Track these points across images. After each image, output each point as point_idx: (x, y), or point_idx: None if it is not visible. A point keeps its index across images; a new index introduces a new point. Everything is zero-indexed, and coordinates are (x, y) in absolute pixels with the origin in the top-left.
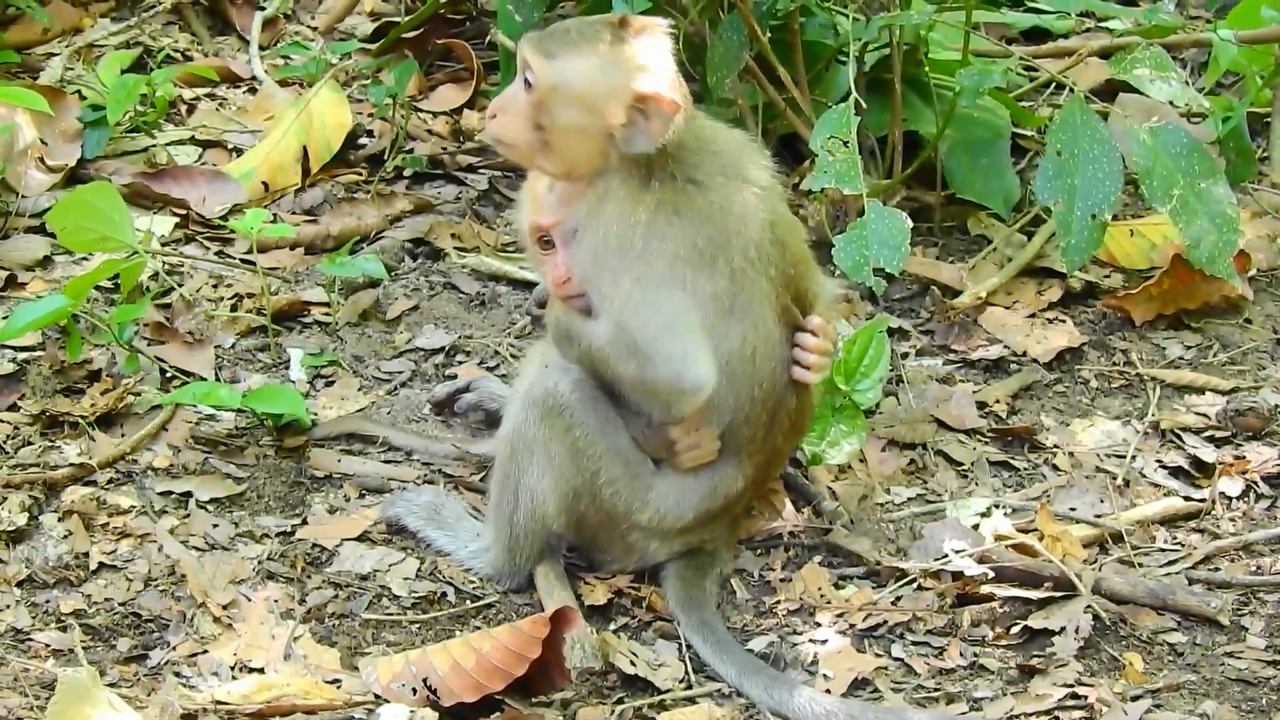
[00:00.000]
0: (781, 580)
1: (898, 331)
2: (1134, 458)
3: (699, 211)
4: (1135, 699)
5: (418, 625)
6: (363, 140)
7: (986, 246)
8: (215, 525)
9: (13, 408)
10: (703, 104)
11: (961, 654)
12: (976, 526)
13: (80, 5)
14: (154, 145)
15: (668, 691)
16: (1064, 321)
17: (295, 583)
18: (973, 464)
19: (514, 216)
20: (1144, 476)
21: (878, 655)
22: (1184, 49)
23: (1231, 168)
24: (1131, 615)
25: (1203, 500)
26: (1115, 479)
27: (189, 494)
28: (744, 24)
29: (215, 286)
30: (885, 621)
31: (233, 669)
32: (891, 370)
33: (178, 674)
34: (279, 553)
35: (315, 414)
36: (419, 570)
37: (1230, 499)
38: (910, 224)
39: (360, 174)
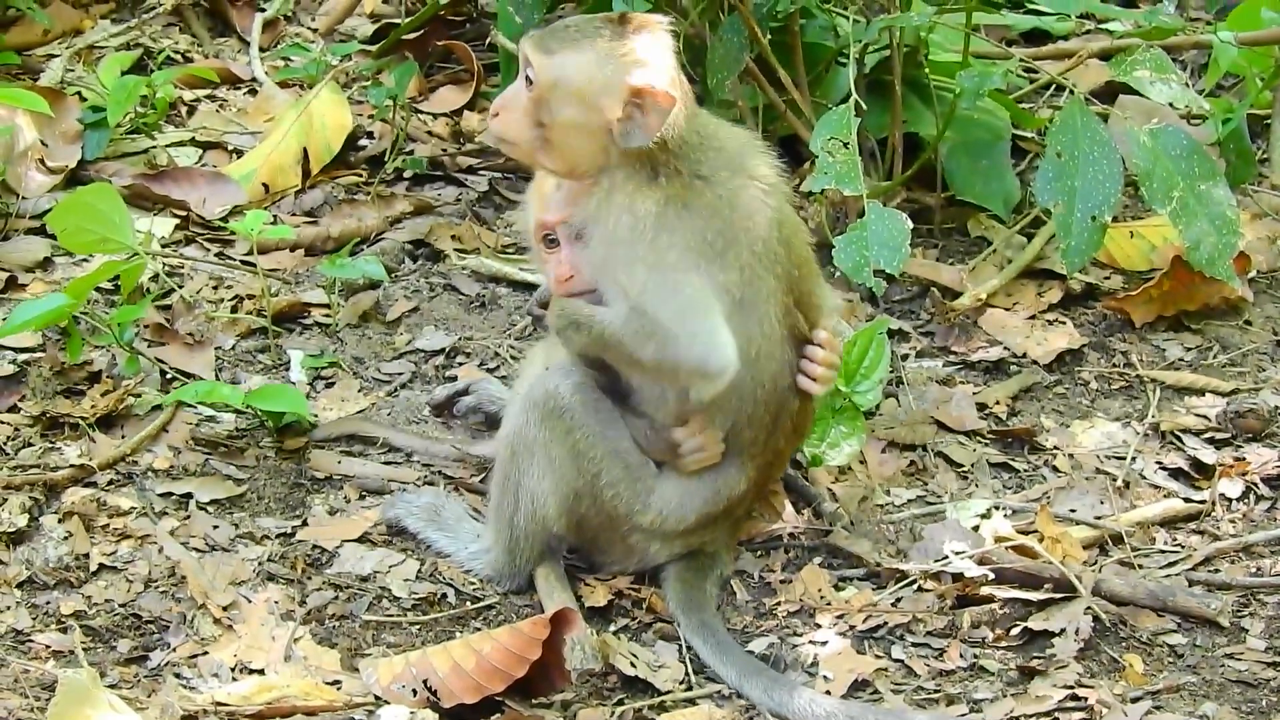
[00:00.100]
0: (781, 582)
1: (898, 333)
2: (1134, 459)
3: (707, 206)
4: (1135, 700)
5: (418, 627)
6: (363, 142)
7: (986, 248)
8: (215, 526)
9: (13, 409)
10: (703, 106)
11: (961, 655)
12: (976, 528)
13: (81, 7)
14: (154, 147)
15: (668, 693)
16: (1064, 323)
17: (295, 584)
18: (973, 465)
19: (519, 216)
20: (1144, 478)
21: (878, 657)
22: (1184, 51)
23: (1231, 169)
24: (1131, 617)
25: (1203, 502)
26: (1115, 480)
27: (189, 495)
28: (744, 26)
29: (215, 288)
30: (885, 623)
31: (233, 670)
32: (891, 372)
33: (178, 675)
34: (279, 554)
35: (315, 415)
36: (419, 572)
37: (1230, 500)
38: (910, 225)
39: (360, 175)
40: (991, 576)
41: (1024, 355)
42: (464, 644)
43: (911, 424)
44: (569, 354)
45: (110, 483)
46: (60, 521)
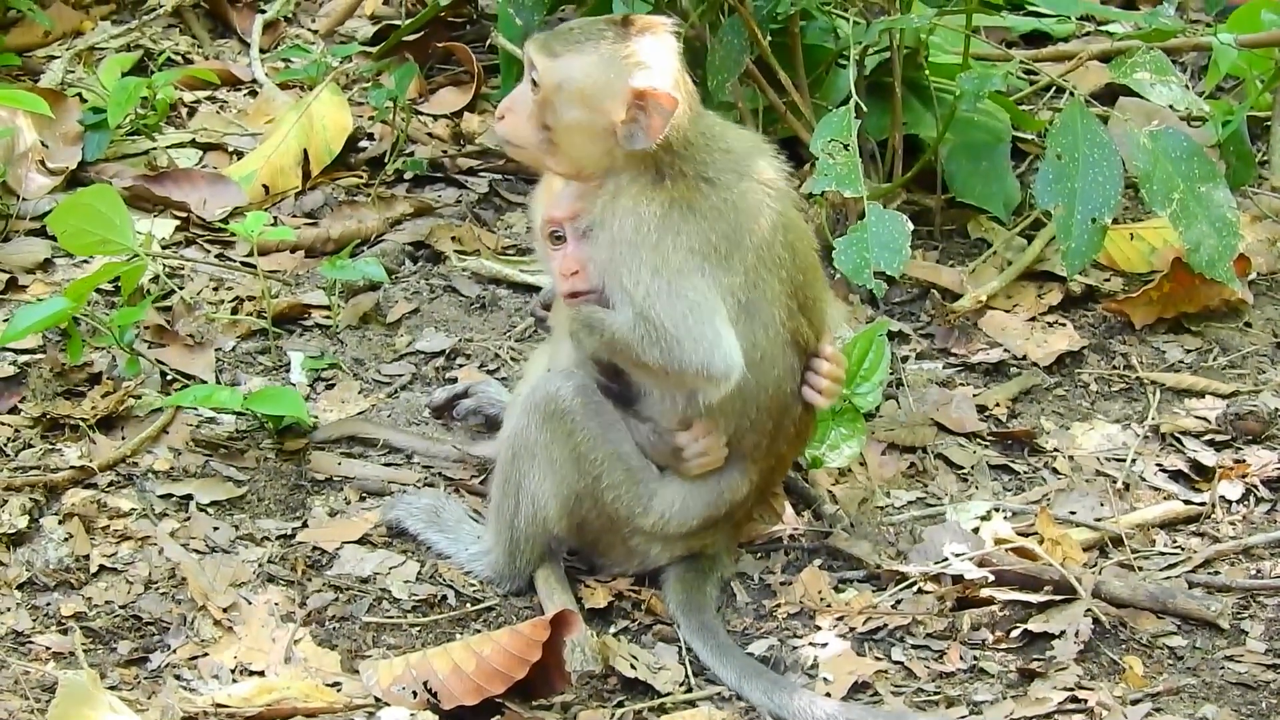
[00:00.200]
0: (782, 584)
1: (898, 335)
2: (1134, 461)
3: (713, 208)
4: (1135, 702)
5: (418, 628)
6: (363, 143)
7: (987, 250)
8: (216, 528)
9: (13, 410)
10: (704, 107)
11: (961, 657)
12: (976, 530)
13: (81, 8)
14: (155, 148)
15: (668, 695)
16: (1064, 325)
17: (296, 586)
18: (973, 467)
19: (528, 214)
20: (1144, 480)
21: (878, 658)
22: (1184, 53)
23: (1231, 172)
24: (1131, 619)
25: (1203, 504)
26: (1115, 482)
27: (189, 497)
28: (744, 27)
29: (216, 289)
30: (885, 625)
31: (233, 672)
32: (892, 374)
33: (178, 677)
34: (279, 556)
35: (315, 417)
36: (419, 573)
37: (1230, 503)
38: (910, 227)
39: (361, 177)
40: (991, 578)
41: (1024, 357)
42: (464, 646)
43: (911, 426)
44: (582, 356)
45: (111, 484)
46: (60, 523)
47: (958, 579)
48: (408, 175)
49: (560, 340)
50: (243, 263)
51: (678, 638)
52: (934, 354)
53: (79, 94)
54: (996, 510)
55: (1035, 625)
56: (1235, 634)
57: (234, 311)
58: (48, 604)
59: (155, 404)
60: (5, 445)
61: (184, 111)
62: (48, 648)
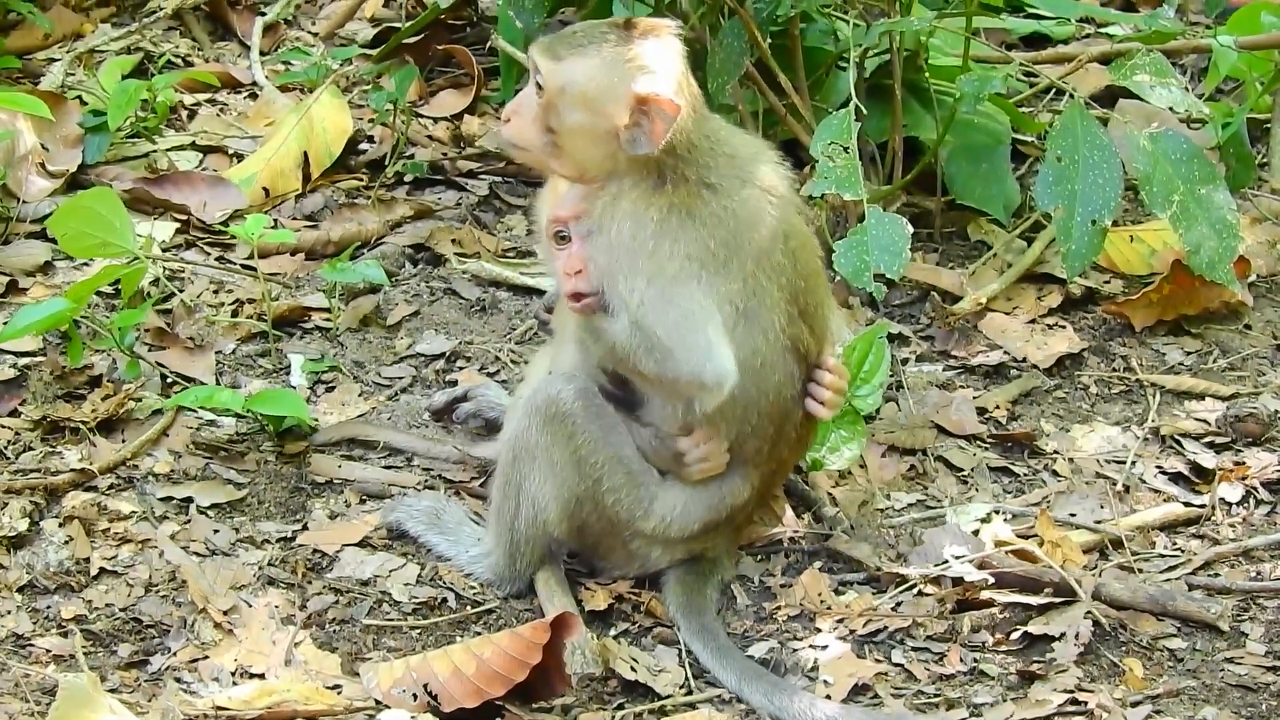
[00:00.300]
0: (782, 586)
1: (898, 337)
2: (1134, 463)
3: (712, 215)
4: (1135, 705)
5: (418, 631)
6: (363, 146)
7: (986, 252)
8: (216, 531)
9: (14, 413)
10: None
11: (961, 660)
12: (976, 532)
13: (81, 11)
14: (155, 151)
15: (668, 697)
16: (1064, 327)
17: (296, 588)
18: (973, 470)
19: (531, 215)
20: (1144, 482)
21: (878, 661)
22: (1184, 55)
23: (1231, 174)
24: (1131, 621)
25: (1203, 506)
26: (1115, 485)
27: (190, 499)
28: (744, 30)
29: (216, 292)
30: (885, 627)
31: (233, 675)
32: (891, 376)
33: (178, 679)
34: (279, 558)
35: (316, 419)
36: (419, 576)
37: (1230, 505)
38: (910, 229)
39: (361, 179)
40: (991, 581)
41: (1024, 359)
42: (464, 648)
43: (911, 428)
44: (587, 361)
45: (111, 487)
46: (61, 526)
47: (958, 581)
48: (408, 178)
49: (562, 343)
50: (243, 265)
51: (678, 640)
52: (934, 356)
53: (79, 97)
54: (996, 512)
55: (1035, 627)
56: (1235, 636)
57: (234, 314)
58: (48, 607)
59: (155, 406)
60: (5, 448)
61: (184, 114)
62: (48, 650)
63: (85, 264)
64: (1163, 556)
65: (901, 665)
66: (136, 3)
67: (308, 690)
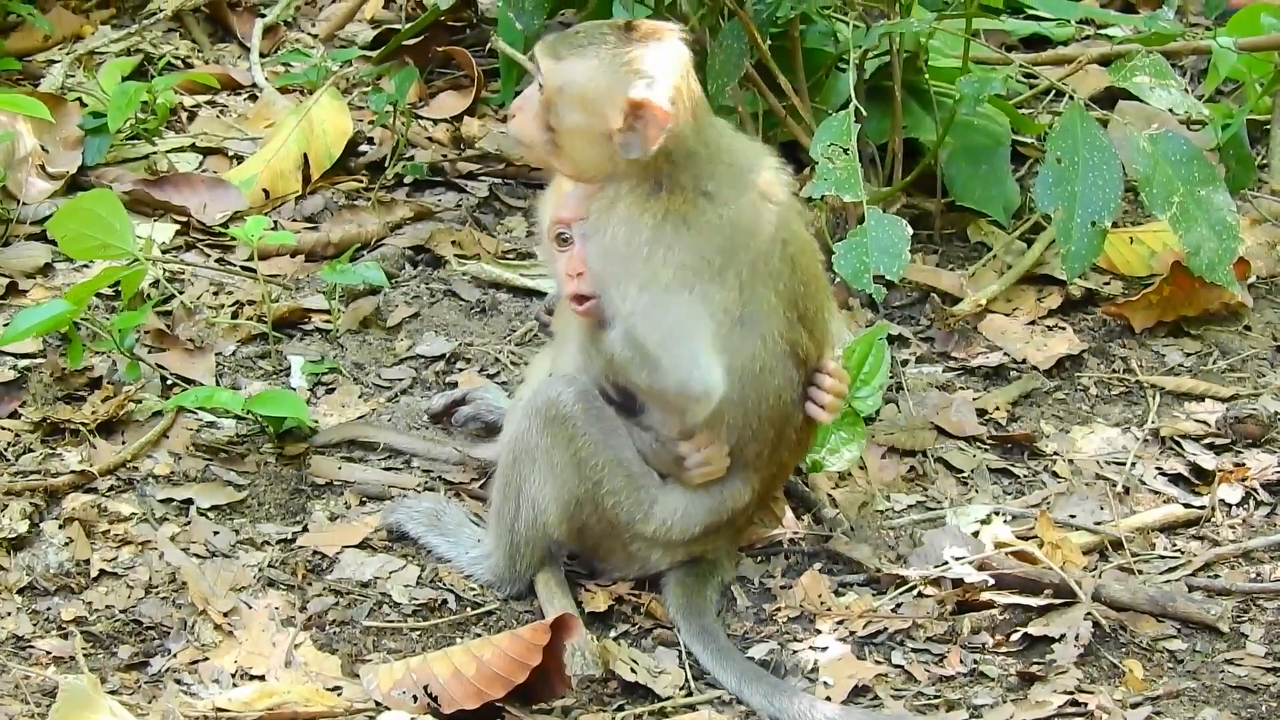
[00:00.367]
0: (782, 587)
1: (898, 339)
2: (1134, 465)
3: (708, 224)
4: (1135, 706)
5: (418, 632)
6: (363, 147)
7: (986, 254)
8: (216, 532)
9: (14, 415)
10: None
11: (961, 661)
12: (976, 533)
13: (81, 12)
14: (155, 152)
15: (668, 699)
16: (1064, 329)
17: (296, 590)
18: (973, 471)
19: (533, 216)
20: (1144, 484)
21: (878, 662)
22: (1183, 56)
23: (1231, 175)
24: (1131, 622)
25: (1202, 507)
26: (1115, 486)
27: (190, 501)
28: (744, 31)
29: (216, 294)
30: (885, 628)
31: (233, 676)
32: (891, 377)
33: (179, 681)
34: (280, 560)
35: (316, 421)
36: (419, 577)
37: (1230, 506)
38: (910, 231)
39: (361, 181)
40: (991, 582)
41: (1024, 361)
42: (464, 650)
43: (911, 429)
44: (589, 366)
45: (111, 488)
46: (61, 527)
47: (958, 582)
48: (408, 179)
49: (563, 344)
50: (243, 267)
51: (678, 642)
52: (934, 358)
53: (79, 98)
54: (996, 514)
55: (1035, 629)
56: (1235, 637)
57: (234, 316)
58: (48, 608)
59: (155, 408)
60: (5, 450)
61: (184, 116)
62: (48, 652)
63: (85, 266)
64: (1163, 558)
65: (901, 666)
66: (136, 4)
67: (308, 692)
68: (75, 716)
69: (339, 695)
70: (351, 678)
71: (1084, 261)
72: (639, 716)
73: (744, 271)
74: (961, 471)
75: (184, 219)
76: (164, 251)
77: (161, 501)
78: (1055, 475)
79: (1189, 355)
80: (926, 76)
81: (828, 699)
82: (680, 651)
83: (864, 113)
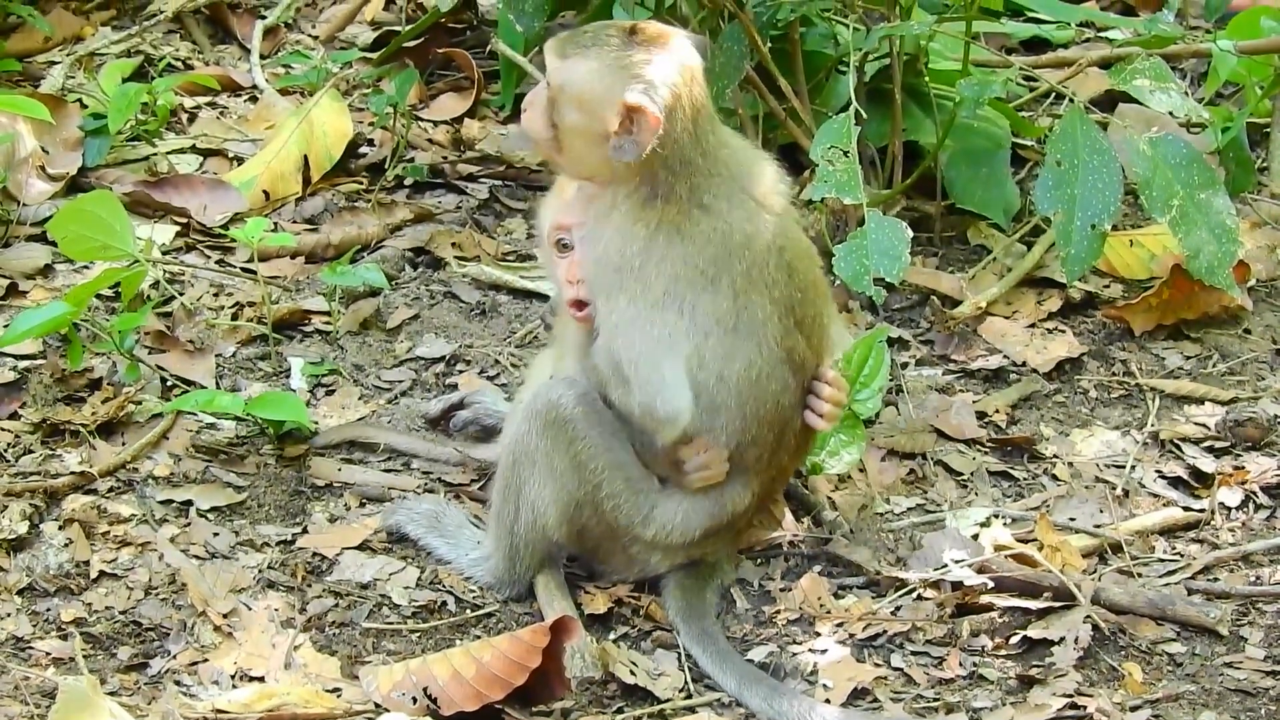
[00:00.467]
0: (781, 590)
1: (897, 341)
2: (1133, 468)
3: (701, 234)
4: (1134, 709)
5: (418, 634)
6: (363, 149)
7: (986, 256)
8: (216, 534)
9: (14, 416)
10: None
11: (961, 664)
12: (976, 536)
13: (82, 14)
14: (155, 154)
15: (667, 701)
16: (1063, 331)
17: (295, 592)
18: (972, 474)
19: (533, 220)
20: (1143, 487)
21: (877, 665)
22: (1183, 59)
23: (1231, 178)
24: (1131, 625)
25: (1202, 511)
26: (1114, 489)
27: (189, 503)
28: (745, 34)
29: (216, 295)
30: (885, 631)
31: (233, 678)
32: (891, 380)
33: (178, 683)
34: (279, 561)
35: (316, 423)
36: (419, 579)
37: (1229, 509)
38: (910, 234)
39: (361, 183)
40: (991, 585)
41: (1023, 364)
42: (464, 652)
43: (911, 432)
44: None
45: (111, 490)
46: (61, 528)
47: (957, 585)
48: (408, 181)
49: (563, 347)
50: (243, 268)
51: (677, 644)
52: (934, 360)
53: (79, 100)
54: (996, 517)
55: (1035, 631)
56: (1234, 640)
57: (234, 317)
58: (48, 609)
59: (155, 409)
60: (5, 451)
61: (184, 117)
62: (48, 653)
63: (85, 267)
64: (1162, 561)
65: (901, 669)
66: (137, 6)
67: (307, 693)
68: (75, 717)
69: (338, 697)
70: (351, 679)
71: (1084, 264)
72: (638, 719)
73: (738, 280)
74: (961, 474)
75: (184, 220)
76: (164, 253)
77: (161, 503)
78: (1055, 478)
79: (1189, 358)
80: (927, 79)
81: (827, 701)
82: (680, 654)
83: (864, 115)
